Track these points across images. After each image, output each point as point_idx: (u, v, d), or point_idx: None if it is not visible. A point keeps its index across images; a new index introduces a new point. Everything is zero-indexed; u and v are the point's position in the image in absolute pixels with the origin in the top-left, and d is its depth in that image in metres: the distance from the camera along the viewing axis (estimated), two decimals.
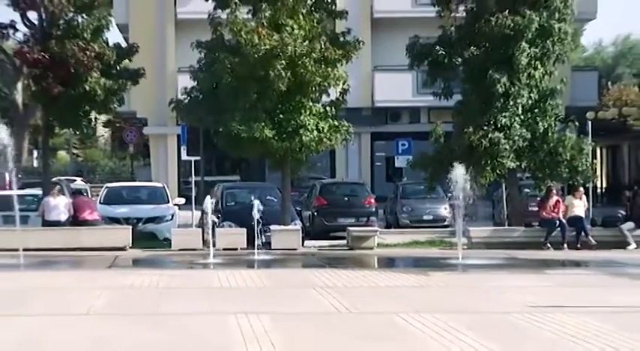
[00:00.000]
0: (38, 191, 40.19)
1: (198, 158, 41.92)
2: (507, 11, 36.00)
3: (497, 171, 36.39)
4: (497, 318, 17.39)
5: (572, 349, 14.34)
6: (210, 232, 30.34)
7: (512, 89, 35.87)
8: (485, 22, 36.20)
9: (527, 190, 38.51)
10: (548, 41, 36.45)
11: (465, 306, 19.24)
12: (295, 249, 32.50)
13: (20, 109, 61.90)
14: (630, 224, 33.88)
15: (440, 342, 14.79)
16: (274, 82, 36.05)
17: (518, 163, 36.46)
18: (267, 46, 35.93)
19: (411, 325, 16.27)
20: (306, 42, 36.92)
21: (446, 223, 39.52)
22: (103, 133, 76.75)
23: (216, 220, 31.24)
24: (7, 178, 39.16)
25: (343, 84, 37.40)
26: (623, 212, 35.88)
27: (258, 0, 37.88)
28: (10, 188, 36.12)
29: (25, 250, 28.68)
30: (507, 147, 35.79)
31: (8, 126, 51.12)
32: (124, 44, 53.92)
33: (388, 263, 29.59)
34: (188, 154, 41.90)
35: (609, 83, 70.37)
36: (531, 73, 36.16)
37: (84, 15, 51.74)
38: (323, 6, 38.91)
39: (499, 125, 35.93)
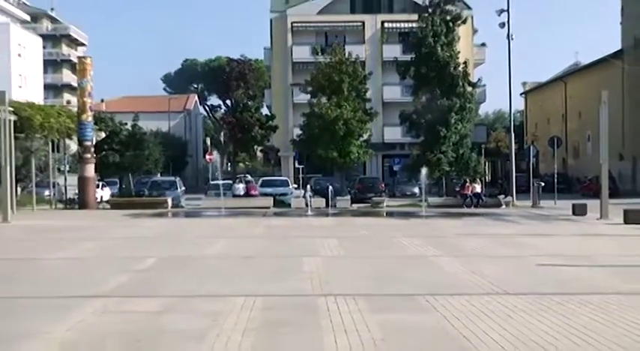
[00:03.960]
0: (230, 182, 40.58)
1: (302, 166, 42.11)
2: (445, 98, 35.82)
3: (440, 172, 36.25)
4: (440, 239, 17.21)
5: (474, 250, 14.19)
6: (309, 199, 30.37)
7: (447, 134, 35.65)
8: (434, 103, 36.06)
9: (454, 180, 38.20)
10: (464, 112, 36.28)
11: (426, 234, 19.05)
12: (347, 208, 32.43)
13: (222, 144, 62.38)
14: (502, 196, 33.63)
15: (413, 249, 14.76)
16: (337, 131, 36.23)
17: (450, 168, 36.30)
18: (334, 115, 36.09)
19: (400, 242, 16.18)
20: (352, 112, 37.04)
21: (417, 195, 39.24)
22: (259, 154, 76.84)
23: (311, 194, 31.23)
24: (218, 176, 39.63)
25: (369, 132, 37.55)
26: (497, 191, 35.97)
27: (330, 93, 38.14)
28: (219, 180, 36.57)
29: (225, 208, 28.96)
30: (445, 161, 35.68)
31: (217, 152, 52.04)
32: (269, 114, 54.39)
33: (390, 214, 29.34)
34: (298, 164, 42.15)
35: (492, 131, 69.73)
36: (456, 127, 35.95)
37: (251, 101, 52.30)
38: (360, 96, 39.19)
39: (441, 151, 35.77)
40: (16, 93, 44.48)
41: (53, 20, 77.79)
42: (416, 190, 39.97)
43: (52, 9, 78.37)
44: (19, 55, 58.03)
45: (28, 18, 66.02)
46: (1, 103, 23.84)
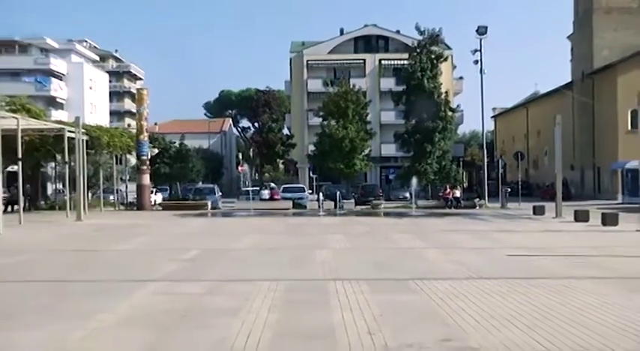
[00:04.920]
0: (257, 188, 40.48)
1: (316, 176, 42.04)
2: (430, 121, 35.75)
3: (427, 180, 36.08)
4: (427, 234, 17.10)
5: (454, 243, 14.04)
6: (321, 202, 30.30)
7: (432, 150, 35.58)
8: (422, 125, 35.98)
9: (438, 187, 37.97)
10: (445, 132, 36.21)
11: (415, 230, 18.90)
12: (351, 209, 32.25)
13: (251, 158, 62.34)
14: (477, 199, 33.39)
15: (404, 242, 14.54)
16: (344, 148, 36.10)
17: (435, 177, 36.14)
18: (341, 135, 35.96)
19: (394, 237, 16.10)
20: (356, 133, 36.93)
21: (408, 199, 39.03)
22: (281, 166, 76.83)
23: (323, 198, 31.13)
24: (248, 184, 39.48)
25: (369, 148, 37.37)
26: (475, 195, 35.78)
27: (338, 117, 38.07)
28: (249, 187, 36.42)
29: (254, 209, 28.97)
30: (430, 171, 35.54)
31: (247, 164, 52.01)
32: (289, 134, 54.38)
33: (387, 214, 29.19)
34: (312, 174, 42.08)
35: (468, 147, 69.17)
36: (439, 144, 35.86)
37: (275, 124, 52.19)
38: (362, 119, 39.06)
39: (427, 163, 35.65)
40: (87, 118, 45.06)
41: (117, 60, 78.77)
42: (407, 194, 39.84)
43: (116, 51, 79.42)
44: (90, 88, 59.08)
45: (97, 58, 67.39)
46: (77, 126, 24.19)
